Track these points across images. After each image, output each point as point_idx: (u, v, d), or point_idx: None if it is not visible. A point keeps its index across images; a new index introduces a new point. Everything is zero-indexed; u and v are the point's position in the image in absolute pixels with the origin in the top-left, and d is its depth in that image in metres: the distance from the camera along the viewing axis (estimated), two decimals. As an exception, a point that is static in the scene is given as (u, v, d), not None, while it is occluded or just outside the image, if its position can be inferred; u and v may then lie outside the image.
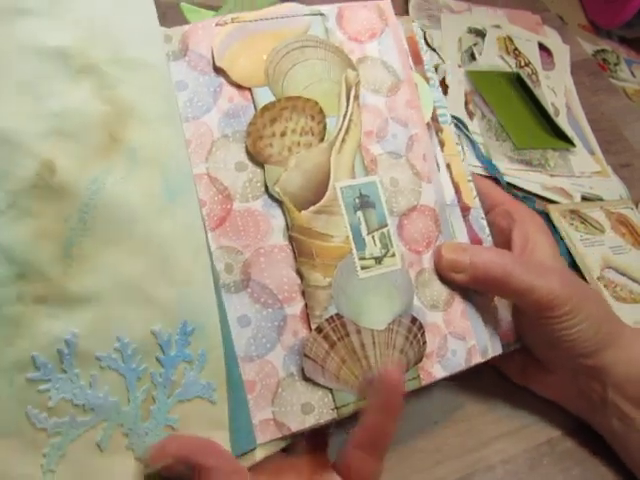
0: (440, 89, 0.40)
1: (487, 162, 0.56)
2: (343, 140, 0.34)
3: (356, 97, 0.35)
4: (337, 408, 0.32)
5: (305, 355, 0.31)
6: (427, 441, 0.39)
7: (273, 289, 0.31)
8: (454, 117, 0.57)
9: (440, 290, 0.36)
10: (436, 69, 0.62)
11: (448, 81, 0.61)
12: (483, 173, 0.55)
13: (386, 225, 0.34)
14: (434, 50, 0.63)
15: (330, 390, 0.32)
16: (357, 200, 0.34)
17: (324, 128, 0.34)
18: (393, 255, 0.34)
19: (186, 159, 0.30)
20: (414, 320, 0.34)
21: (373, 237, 0.34)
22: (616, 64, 0.78)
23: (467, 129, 0.58)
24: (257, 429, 0.30)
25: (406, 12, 0.66)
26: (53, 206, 0.24)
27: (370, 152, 0.35)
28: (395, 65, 0.37)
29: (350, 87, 0.35)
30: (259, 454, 0.29)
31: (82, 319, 0.24)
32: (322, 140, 0.34)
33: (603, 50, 0.79)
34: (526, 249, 0.39)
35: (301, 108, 0.34)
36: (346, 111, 0.34)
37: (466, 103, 0.61)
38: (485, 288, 0.37)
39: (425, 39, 0.62)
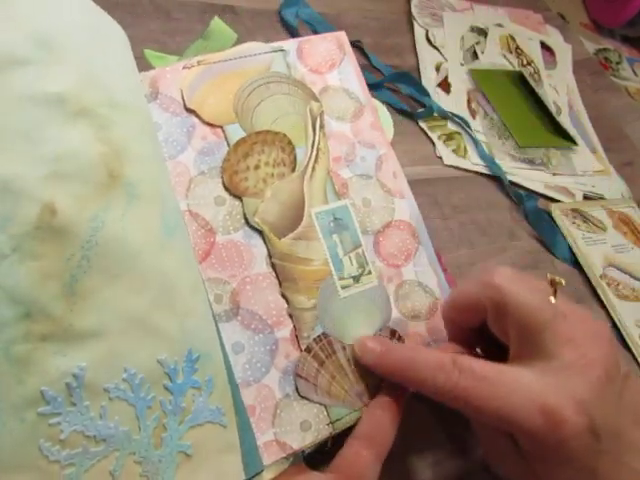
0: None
1: (490, 161, 0.58)
2: (313, 168, 0.37)
3: (322, 126, 0.38)
4: (332, 422, 0.34)
5: (297, 375, 0.34)
6: (427, 439, 0.40)
7: (262, 315, 0.34)
8: (457, 116, 0.59)
9: (422, 301, 0.38)
10: (439, 68, 0.64)
11: (450, 80, 0.63)
12: (486, 172, 0.58)
13: (360, 245, 0.37)
14: (436, 48, 0.66)
15: (324, 406, 0.34)
16: (332, 224, 0.36)
17: (295, 158, 0.37)
18: (369, 273, 0.37)
19: (174, 196, 0.32)
20: (393, 332, 0.37)
21: (350, 257, 0.36)
22: (618, 63, 0.81)
23: (470, 128, 0.60)
24: (262, 451, 0.32)
25: (409, 11, 0.68)
26: (55, 246, 0.25)
27: (340, 176, 0.38)
28: (356, 91, 0.41)
29: (315, 118, 0.38)
30: (266, 476, 0.31)
31: (89, 353, 0.25)
32: (294, 170, 0.36)
33: (605, 49, 0.82)
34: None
35: (271, 141, 0.36)
36: (313, 141, 0.37)
37: (468, 102, 0.63)
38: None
39: (428, 37, 0.66)
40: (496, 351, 0.33)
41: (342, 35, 0.41)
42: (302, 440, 0.33)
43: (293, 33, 0.57)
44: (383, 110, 0.41)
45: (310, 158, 0.37)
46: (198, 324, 0.30)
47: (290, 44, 0.39)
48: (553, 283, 0.33)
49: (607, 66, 0.80)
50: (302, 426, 0.33)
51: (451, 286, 0.41)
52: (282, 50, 0.39)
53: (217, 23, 0.41)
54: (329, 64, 0.40)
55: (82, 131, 0.27)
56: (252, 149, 0.36)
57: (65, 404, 0.24)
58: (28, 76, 0.26)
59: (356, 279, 0.36)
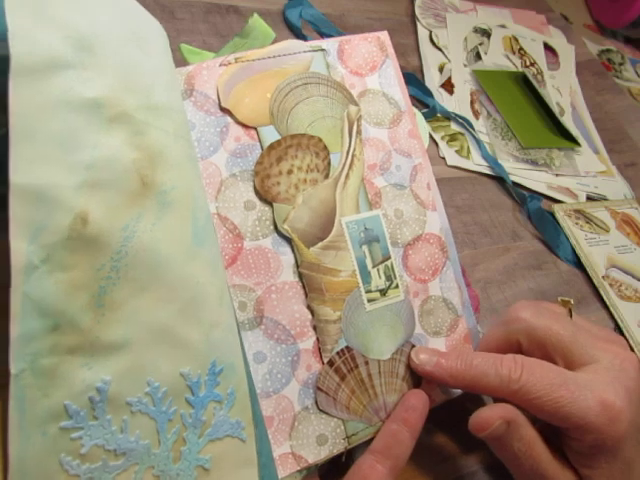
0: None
1: (493, 161, 0.59)
2: (347, 176, 0.37)
3: (359, 132, 0.38)
4: (348, 437, 0.35)
5: (318, 388, 0.35)
6: (430, 440, 0.41)
7: (286, 325, 0.35)
8: (460, 116, 0.61)
9: (444, 317, 0.39)
10: (442, 68, 0.66)
11: (454, 80, 0.65)
12: (489, 172, 0.59)
13: (389, 257, 0.38)
14: (440, 49, 0.67)
15: (342, 420, 0.35)
16: (362, 234, 0.37)
17: (329, 164, 0.37)
18: (396, 287, 0.38)
19: (206, 199, 0.33)
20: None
21: (378, 270, 0.37)
22: (621, 64, 0.83)
23: (473, 128, 0.61)
24: (277, 463, 0.33)
25: (412, 12, 0.70)
26: (86, 257, 0.25)
27: (374, 185, 0.38)
28: (396, 96, 0.41)
29: (352, 123, 0.38)
30: (280, 488, 0.33)
31: (113, 366, 0.26)
32: (327, 176, 0.37)
33: (608, 50, 0.84)
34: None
35: (306, 145, 0.37)
36: (349, 147, 0.38)
37: (472, 102, 0.65)
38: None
39: (431, 38, 0.68)
40: None
41: (384, 35, 0.41)
42: (318, 454, 0.34)
43: (297, 33, 0.58)
44: (420, 117, 0.41)
45: (344, 165, 0.38)
46: (223, 335, 0.31)
47: (330, 43, 0.39)
48: (565, 303, 0.39)
49: (610, 67, 0.82)
50: (318, 440, 0.34)
51: (473, 302, 0.42)
52: (322, 49, 0.39)
53: (256, 20, 0.41)
54: (370, 66, 0.40)
55: (117, 138, 0.27)
56: (286, 153, 0.36)
57: (87, 418, 0.25)
58: (66, 80, 0.26)
59: (383, 292, 0.37)
